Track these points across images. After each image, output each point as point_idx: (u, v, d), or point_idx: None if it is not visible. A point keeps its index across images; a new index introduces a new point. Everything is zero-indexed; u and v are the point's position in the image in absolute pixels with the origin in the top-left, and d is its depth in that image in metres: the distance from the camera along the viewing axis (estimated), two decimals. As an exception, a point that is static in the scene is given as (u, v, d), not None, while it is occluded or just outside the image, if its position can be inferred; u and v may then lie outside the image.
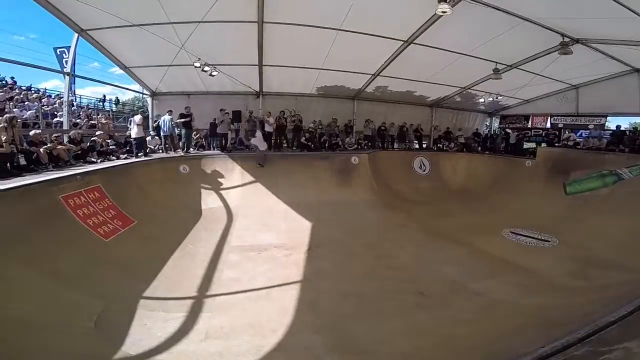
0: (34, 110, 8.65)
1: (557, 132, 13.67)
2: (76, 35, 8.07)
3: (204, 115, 11.46)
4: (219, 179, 9.58)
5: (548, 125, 14.34)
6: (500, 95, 14.04)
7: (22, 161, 5.82)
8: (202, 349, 3.67)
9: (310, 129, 12.70)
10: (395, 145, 15.28)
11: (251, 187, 9.55)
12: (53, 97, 11.22)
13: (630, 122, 12.22)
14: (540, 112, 14.72)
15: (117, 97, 19.52)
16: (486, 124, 17.01)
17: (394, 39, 9.37)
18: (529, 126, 15.00)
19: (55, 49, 8.29)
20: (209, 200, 9.01)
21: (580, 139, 12.62)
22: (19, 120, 7.62)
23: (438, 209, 11.57)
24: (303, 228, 8.11)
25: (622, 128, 12.35)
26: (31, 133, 6.50)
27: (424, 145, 15.48)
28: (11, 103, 8.54)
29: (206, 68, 9.39)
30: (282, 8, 7.72)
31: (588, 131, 12.71)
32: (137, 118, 9.11)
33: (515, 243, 8.50)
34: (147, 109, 11.01)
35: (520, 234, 9.20)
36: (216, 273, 5.73)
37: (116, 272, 4.92)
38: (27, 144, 6.20)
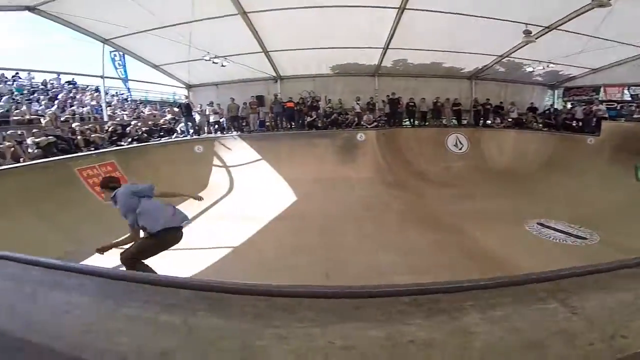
0: (88, 107, 11.25)
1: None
2: (101, 44, 10.16)
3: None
4: (229, 157, 10.74)
5: (628, 97, 11.12)
6: (553, 64, 11.49)
7: (65, 146, 7.80)
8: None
9: (326, 109, 12.86)
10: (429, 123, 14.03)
11: (256, 165, 10.47)
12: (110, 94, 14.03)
13: None
14: (614, 82, 11.48)
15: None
16: (547, 98, 14.02)
17: (384, 7, 8.88)
18: (601, 99, 11.88)
19: (110, 52, 10.42)
20: (216, 176, 10.26)
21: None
22: (75, 115, 10.15)
23: (463, 190, 10.38)
24: (286, 203, 8.53)
25: None
26: (74, 125, 8.61)
27: (465, 122, 13.75)
28: (75, 101, 11.27)
29: (216, 60, 10.45)
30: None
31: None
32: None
33: (534, 237, 6.49)
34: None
35: (550, 227, 6.90)
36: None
37: (100, 227, 6.27)
38: (70, 133, 8.26)
